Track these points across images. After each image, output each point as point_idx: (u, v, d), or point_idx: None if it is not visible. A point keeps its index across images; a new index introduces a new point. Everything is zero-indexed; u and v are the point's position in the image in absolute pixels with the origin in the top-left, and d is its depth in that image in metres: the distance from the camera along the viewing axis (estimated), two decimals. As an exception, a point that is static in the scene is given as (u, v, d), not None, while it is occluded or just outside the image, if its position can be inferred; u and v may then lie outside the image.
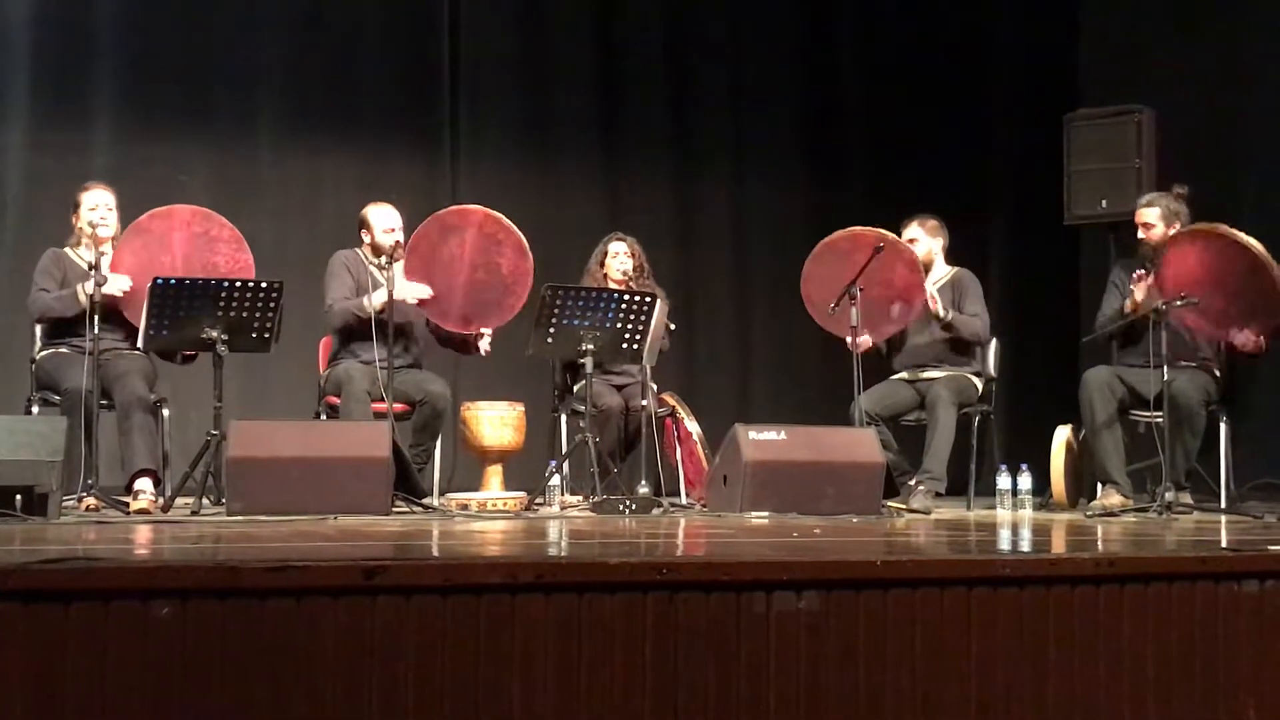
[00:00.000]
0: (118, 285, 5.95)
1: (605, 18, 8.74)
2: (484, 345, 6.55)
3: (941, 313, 6.64)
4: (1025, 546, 4.59)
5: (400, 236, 6.40)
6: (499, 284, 6.47)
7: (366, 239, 6.53)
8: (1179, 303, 6.02)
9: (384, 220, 6.49)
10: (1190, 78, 8.05)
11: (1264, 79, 7.85)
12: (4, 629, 2.93)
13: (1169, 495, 5.90)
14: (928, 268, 6.82)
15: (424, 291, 6.37)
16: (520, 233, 6.42)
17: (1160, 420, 6.08)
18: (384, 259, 6.32)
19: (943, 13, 9.09)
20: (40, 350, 6.18)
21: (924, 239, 6.81)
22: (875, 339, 6.67)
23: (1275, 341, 6.22)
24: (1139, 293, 6.27)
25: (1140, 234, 6.52)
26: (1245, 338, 6.14)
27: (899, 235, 6.74)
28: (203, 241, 6.16)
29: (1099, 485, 6.43)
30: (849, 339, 6.41)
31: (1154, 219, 6.47)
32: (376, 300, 6.23)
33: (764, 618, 3.32)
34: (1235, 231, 6.07)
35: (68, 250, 6.26)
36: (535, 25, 8.60)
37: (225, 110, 7.99)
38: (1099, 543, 4.64)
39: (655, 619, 3.26)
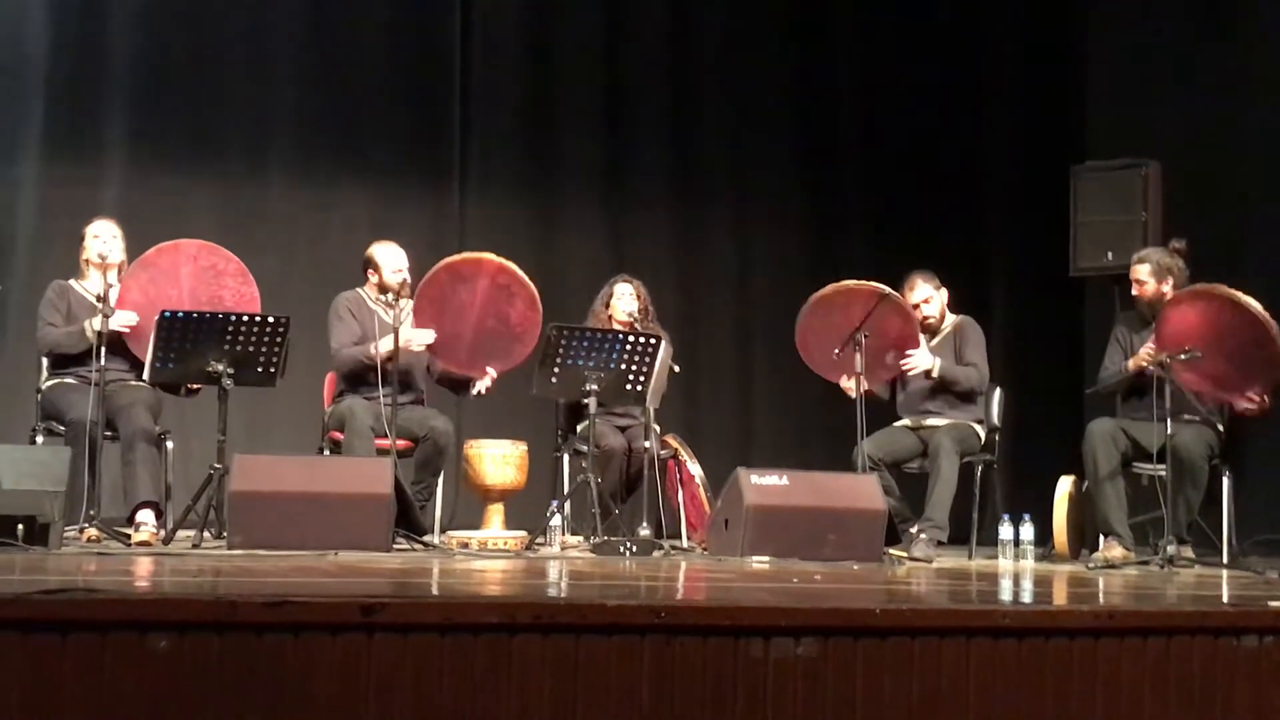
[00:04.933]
0: (123, 321, 5.99)
1: (610, 63, 8.78)
2: (481, 385, 6.55)
3: (934, 372, 6.65)
4: (1026, 597, 4.58)
5: (407, 276, 6.43)
6: (507, 333, 6.50)
7: (373, 278, 6.56)
8: (1182, 356, 6.03)
9: (392, 260, 6.52)
10: (1197, 131, 8.08)
11: (1270, 133, 7.87)
12: (2, 658, 2.93)
13: (1171, 549, 5.89)
14: (943, 319, 6.84)
15: (428, 338, 6.39)
16: (533, 286, 6.44)
17: (1163, 473, 6.08)
18: (390, 296, 6.35)
19: (948, 61, 9.12)
20: (46, 380, 6.20)
21: (934, 295, 6.82)
22: (871, 384, 6.68)
23: (1277, 400, 6.22)
24: (1143, 358, 6.27)
25: (1133, 290, 6.54)
26: (1247, 401, 6.16)
27: (903, 292, 6.75)
28: (209, 275, 6.19)
29: (1101, 537, 6.41)
30: (842, 380, 6.41)
31: (1145, 275, 6.49)
32: (383, 347, 6.24)
33: (762, 663, 3.32)
34: (1235, 292, 6.08)
35: (73, 283, 6.29)
36: (542, 70, 8.65)
37: (235, 147, 8.03)
38: (1100, 595, 4.64)
39: (652, 662, 3.25)
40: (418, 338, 6.38)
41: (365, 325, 6.49)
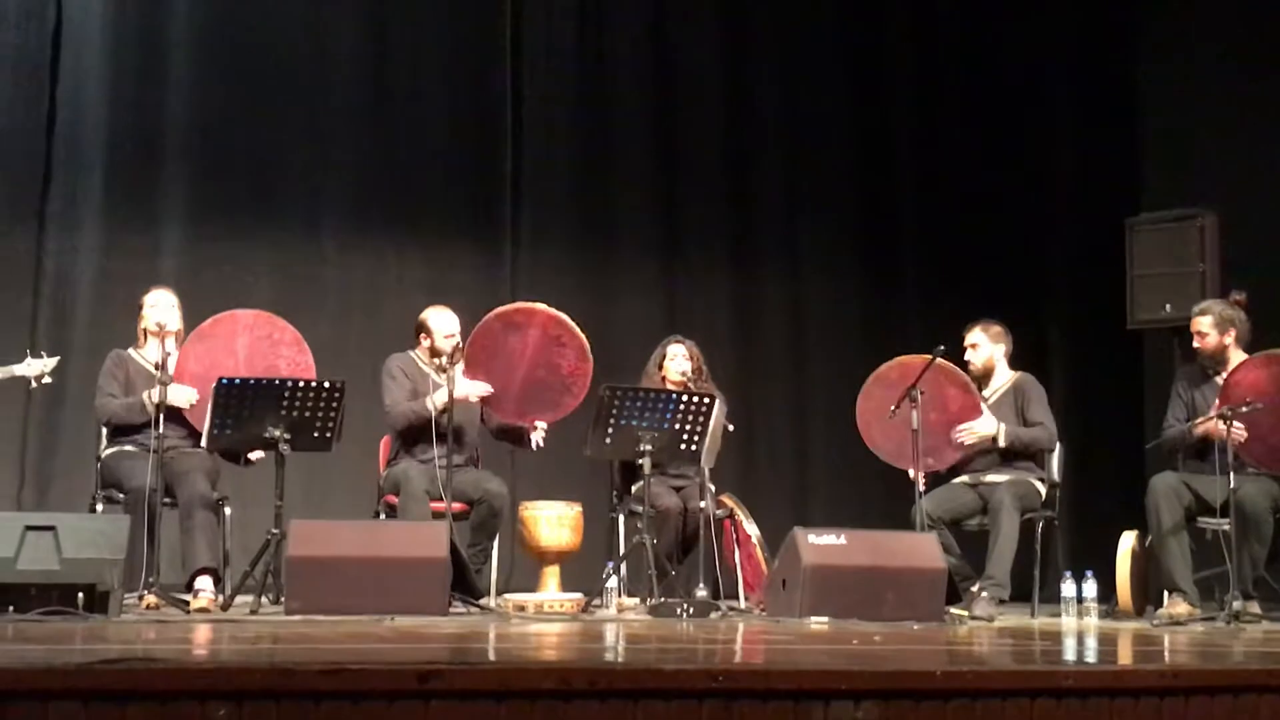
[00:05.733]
0: (184, 397, 6.07)
1: (665, 122, 8.83)
2: (537, 438, 6.57)
3: (1000, 440, 6.59)
4: (1090, 656, 4.51)
5: (459, 340, 6.47)
6: (558, 383, 6.52)
7: (425, 342, 6.61)
8: (1244, 408, 5.96)
9: (445, 326, 6.57)
10: (1253, 181, 8.02)
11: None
12: (62, 729, 2.94)
13: (1237, 604, 5.80)
14: (989, 374, 6.79)
15: (484, 389, 6.43)
16: (583, 336, 6.46)
17: (1227, 528, 6.00)
18: (443, 359, 6.39)
19: (1004, 116, 9.12)
20: (106, 449, 6.27)
21: (985, 344, 6.78)
22: (939, 467, 6.63)
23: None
24: (1211, 427, 6.19)
25: (1195, 343, 6.48)
26: None
27: (962, 340, 6.73)
28: (265, 344, 6.26)
29: (1165, 593, 6.32)
30: (911, 471, 6.36)
31: (1207, 327, 6.44)
32: (439, 400, 6.28)
33: (822, 727, 3.27)
34: None
35: (131, 351, 6.37)
36: (596, 128, 8.70)
37: (290, 212, 8.12)
38: (1165, 653, 4.56)
39: (711, 727, 3.22)
40: (473, 389, 6.40)
41: (418, 385, 6.53)
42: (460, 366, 6.36)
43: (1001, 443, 6.60)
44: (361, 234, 8.21)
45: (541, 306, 6.55)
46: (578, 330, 6.49)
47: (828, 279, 9.01)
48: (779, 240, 9.00)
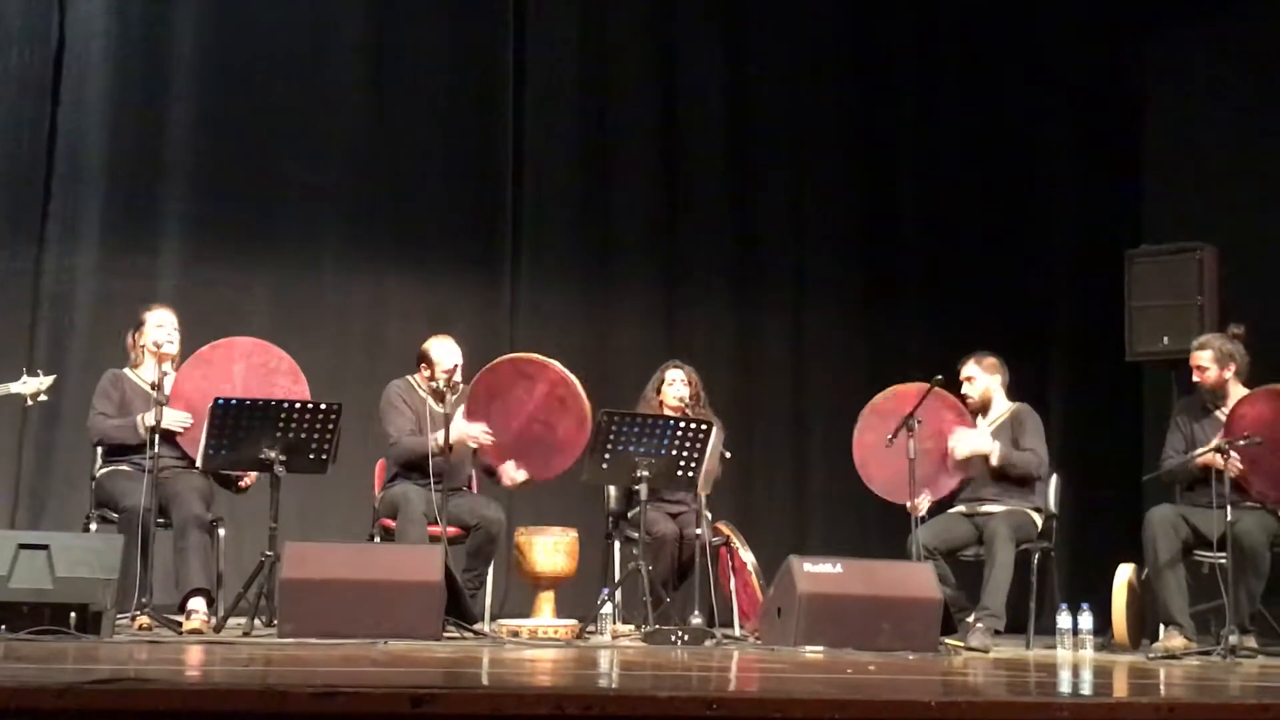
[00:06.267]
0: (178, 421, 6.04)
1: (667, 151, 8.85)
2: (506, 478, 6.53)
3: (993, 458, 6.59)
4: (1085, 689, 4.49)
5: (459, 373, 6.43)
6: (550, 443, 6.49)
7: (426, 372, 6.59)
8: (1242, 441, 5.96)
9: (447, 357, 6.53)
10: (1252, 215, 8.04)
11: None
12: (51, 749, 2.92)
13: (1233, 638, 5.78)
14: (986, 406, 6.79)
15: (484, 437, 6.40)
16: (588, 403, 6.42)
17: (1224, 561, 5.99)
18: (441, 385, 6.37)
19: (1007, 149, 9.15)
20: (100, 468, 6.25)
21: (980, 376, 6.79)
22: (935, 495, 6.63)
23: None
24: (1212, 458, 6.19)
25: (1195, 377, 6.48)
26: None
27: (958, 373, 6.73)
28: (262, 372, 6.25)
29: (1161, 626, 6.31)
30: (908, 504, 6.35)
31: (1207, 361, 6.44)
32: (441, 439, 6.25)
33: (815, 756, 3.25)
34: None
35: (127, 371, 6.36)
36: (596, 156, 8.73)
37: (289, 236, 8.11)
38: (1161, 686, 4.55)
39: (705, 755, 3.20)
40: (471, 432, 6.38)
41: (418, 413, 6.52)
42: (457, 403, 6.32)
43: (994, 461, 6.59)
44: (360, 258, 8.21)
45: (556, 364, 6.50)
46: (584, 397, 6.43)
47: (828, 308, 9.03)
48: (780, 269, 9.01)
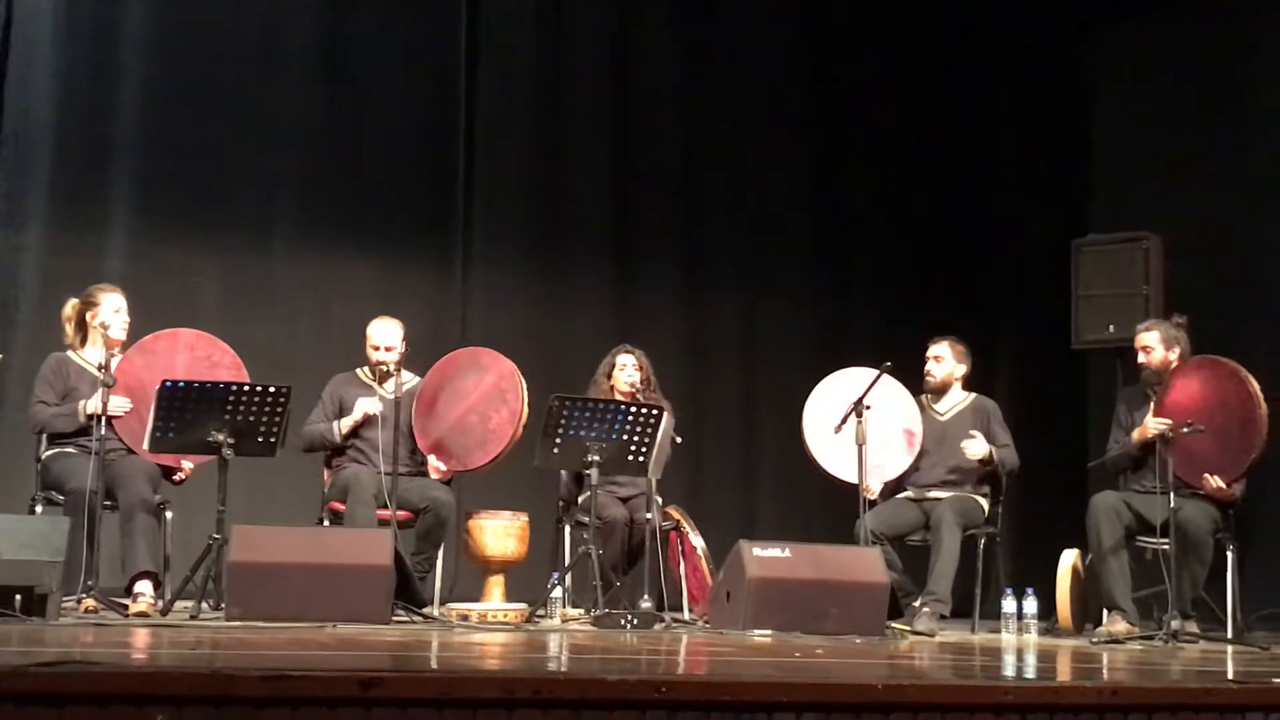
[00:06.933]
0: (118, 406, 5.96)
1: (620, 133, 8.85)
2: (436, 466, 6.55)
3: (985, 456, 6.65)
4: (1029, 673, 4.55)
5: (398, 353, 6.42)
6: (480, 433, 6.53)
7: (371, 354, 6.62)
8: (1185, 429, 6.03)
9: (377, 334, 6.61)
10: (1197, 206, 8.12)
11: (1272, 208, 7.91)
12: (-4, 732, 2.90)
13: (1175, 624, 5.86)
14: (944, 390, 6.85)
15: (374, 407, 6.45)
16: (527, 408, 6.47)
17: (1167, 547, 6.06)
18: (375, 363, 6.52)
19: (953, 137, 9.20)
20: (46, 450, 6.19)
21: (949, 360, 6.87)
22: (889, 475, 6.69)
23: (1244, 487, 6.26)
24: (1148, 429, 6.26)
25: (1140, 358, 6.55)
26: (1215, 484, 6.15)
27: (926, 351, 6.81)
28: (204, 365, 6.23)
29: (1105, 611, 6.38)
30: (861, 488, 6.39)
31: (1153, 342, 6.51)
32: (345, 426, 6.44)
33: (763, 739, 3.28)
34: (1239, 366, 6.12)
35: (70, 354, 6.28)
36: (549, 138, 8.70)
37: (239, 217, 8.04)
38: (1104, 670, 4.60)
39: (653, 738, 3.22)
40: (368, 407, 6.46)
41: (347, 400, 6.58)
42: (394, 386, 6.32)
43: (994, 461, 6.68)
44: (312, 239, 8.14)
45: (508, 362, 6.57)
46: (524, 395, 6.48)
47: (779, 294, 9.05)
48: (731, 256, 9.04)
